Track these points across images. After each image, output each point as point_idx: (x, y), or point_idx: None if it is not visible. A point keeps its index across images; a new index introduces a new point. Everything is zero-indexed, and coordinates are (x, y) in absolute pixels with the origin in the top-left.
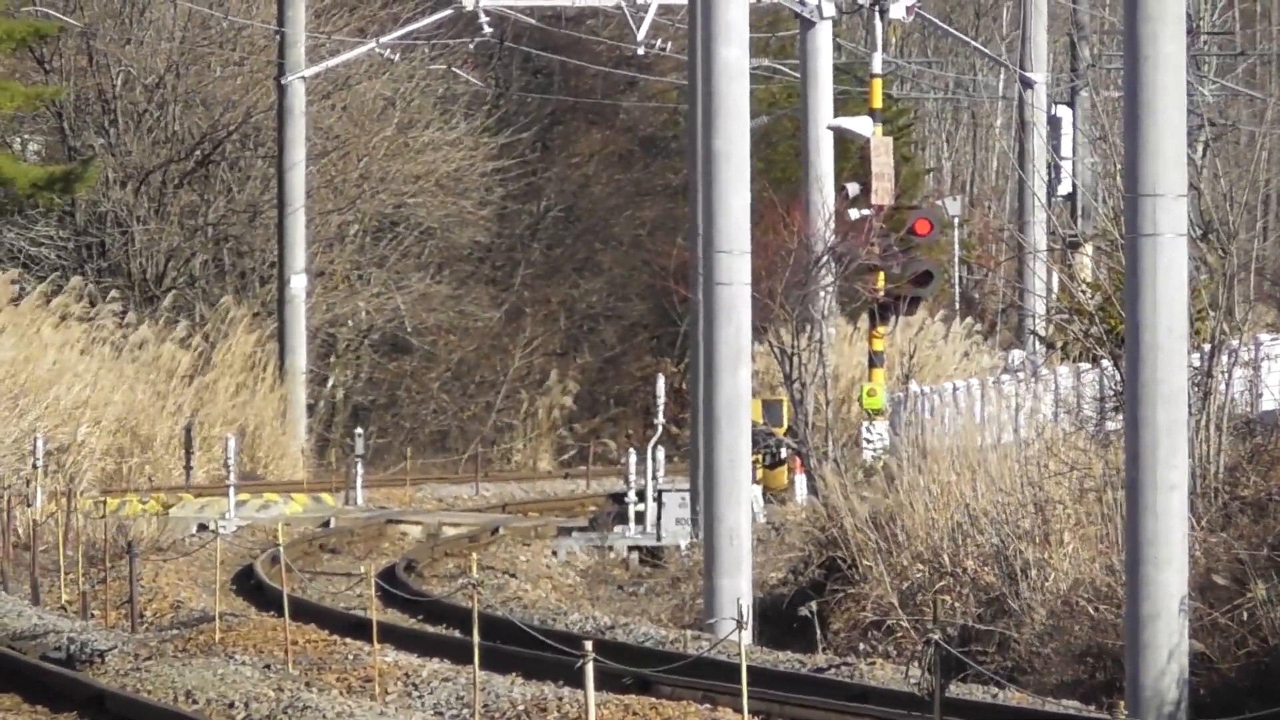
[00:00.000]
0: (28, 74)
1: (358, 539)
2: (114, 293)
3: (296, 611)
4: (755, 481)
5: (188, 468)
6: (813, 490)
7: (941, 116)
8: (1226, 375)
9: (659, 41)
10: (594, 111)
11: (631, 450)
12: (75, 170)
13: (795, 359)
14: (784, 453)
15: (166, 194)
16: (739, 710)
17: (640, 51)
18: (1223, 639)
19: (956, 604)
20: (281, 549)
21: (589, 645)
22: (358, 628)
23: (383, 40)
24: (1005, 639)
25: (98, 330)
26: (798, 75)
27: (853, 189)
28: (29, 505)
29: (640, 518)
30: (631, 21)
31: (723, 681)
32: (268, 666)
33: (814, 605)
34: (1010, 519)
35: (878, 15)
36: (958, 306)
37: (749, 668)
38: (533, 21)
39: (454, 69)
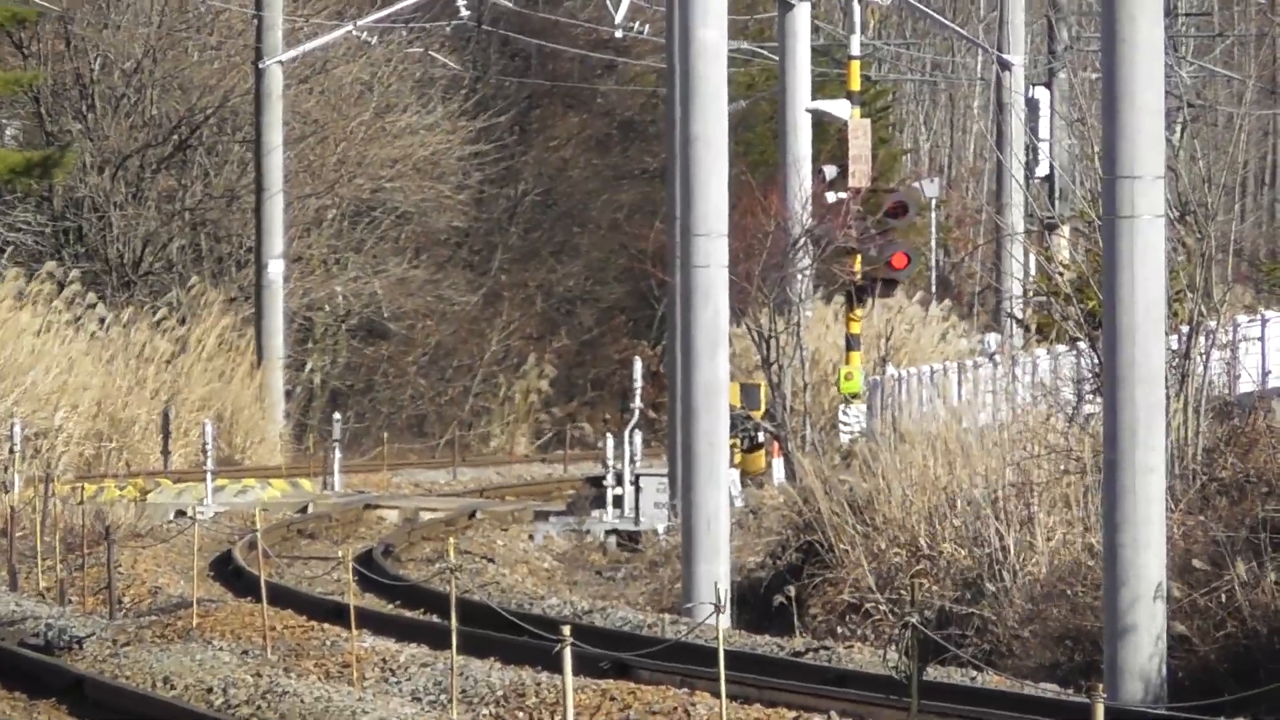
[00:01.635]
0: (5, 59)
1: (335, 524)
2: (91, 277)
3: (274, 597)
4: (733, 465)
5: (165, 453)
6: (790, 474)
7: (919, 98)
8: (1204, 357)
9: (637, 24)
10: (572, 95)
11: (609, 434)
12: (53, 155)
13: (773, 342)
14: (762, 436)
15: (144, 179)
16: (717, 694)
17: (618, 34)
18: (1201, 621)
19: (934, 587)
20: (259, 534)
21: (567, 629)
22: (335, 613)
23: (360, 23)
24: (983, 622)
25: (75, 315)
26: (776, 58)
27: (830, 171)
28: (6, 491)
29: (618, 502)
30: (610, 4)
31: (700, 665)
32: (245, 652)
33: (792, 589)
34: (988, 502)
35: None
36: (935, 289)
37: (727, 651)
38: (510, 5)
39: (431, 52)
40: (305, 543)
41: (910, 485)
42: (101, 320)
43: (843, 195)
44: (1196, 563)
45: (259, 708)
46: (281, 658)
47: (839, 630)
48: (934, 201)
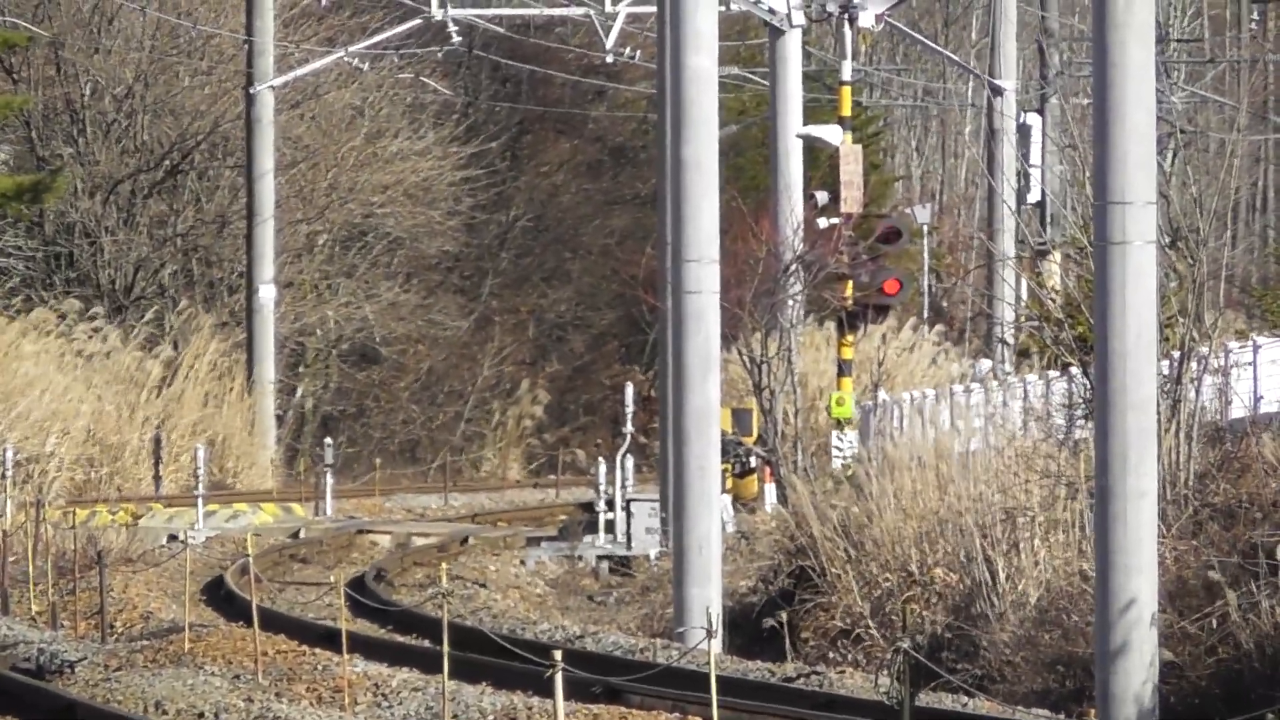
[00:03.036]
0: None
1: (327, 549)
2: (82, 303)
3: (266, 622)
4: (725, 491)
5: (157, 478)
6: (782, 499)
7: (911, 124)
8: (1196, 382)
9: (628, 50)
10: (563, 120)
11: (601, 459)
12: (44, 180)
13: (764, 367)
14: (754, 462)
15: (135, 204)
16: (708, 719)
17: (609, 60)
18: (1193, 646)
19: (926, 612)
20: (251, 559)
21: (558, 654)
22: (327, 638)
23: (351, 49)
24: (975, 647)
25: (67, 341)
26: (767, 83)
27: (822, 197)
28: None
29: (610, 527)
30: (600, 30)
31: (692, 690)
32: (237, 677)
33: (783, 615)
34: (980, 527)
35: (847, 23)
36: (927, 315)
37: (718, 677)
38: (501, 30)
39: (422, 78)
40: (297, 567)
41: (902, 510)
42: (100, 348)
43: (834, 221)
44: (1189, 588)
45: None
46: (273, 682)
47: (831, 655)
48: (926, 227)
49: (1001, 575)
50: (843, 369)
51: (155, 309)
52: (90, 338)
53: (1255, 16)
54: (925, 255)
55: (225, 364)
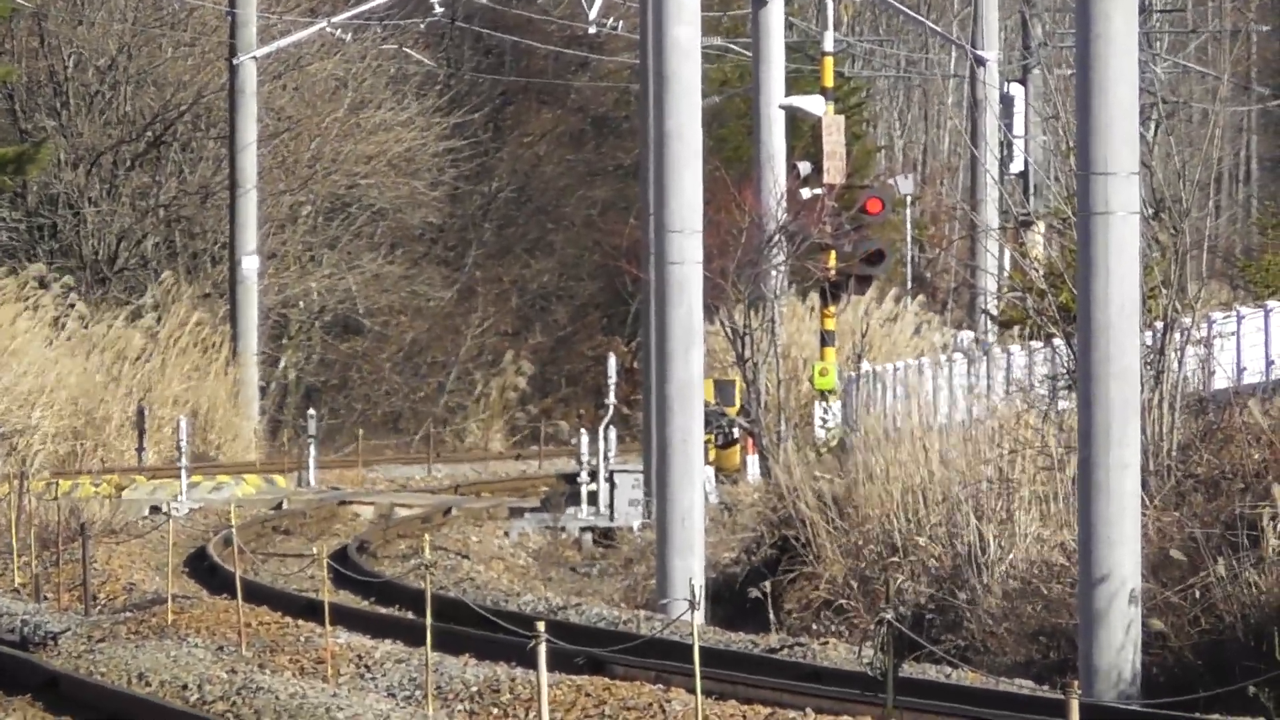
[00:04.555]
0: None
1: (310, 520)
2: (67, 275)
3: (249, 593)
4: (708, 462)
5: (140, 450)
6: (765, 470)
7: (893, 95)
8: (1179, 353)
9: (610, 21)
10: (545, 91)
11: (583, 430)
12: (27, 152)
13: (747, 338)
14: (736, 433)
15: (118, 175)
16: (691, 690)
17: (592, 31)
18: (1176, 617)
19: (910, 584)
20: (234, 531)
21: (541, 626)
22: (310, 609)
23: (334, 20)
24: (959, 619)
25: (51, 312)
26: (749, 54)
27: (804, 168)
28: None
29: (593, 498)
30: (583, 1)
31: (676, 661)
32: (221, 648)
33: (767, 586)
34: (963, 498)
35: None
36: (910, 285)
37: (702, 648)
38: (484, 1)
39: (405, 49)
40: (280, 539)
41: (886, 482)
42: (82, 319)
43: (817, 191)
44: (1172, 559)
45: (234, 704)
46: (256, 654)
47: (814, 626)
48: (909, 198)
49: (988, 546)
50: (826, 340)
51: (139, 280)
52: (74, 307)
53: None
54: (908, 225)
55: (209, 335)
